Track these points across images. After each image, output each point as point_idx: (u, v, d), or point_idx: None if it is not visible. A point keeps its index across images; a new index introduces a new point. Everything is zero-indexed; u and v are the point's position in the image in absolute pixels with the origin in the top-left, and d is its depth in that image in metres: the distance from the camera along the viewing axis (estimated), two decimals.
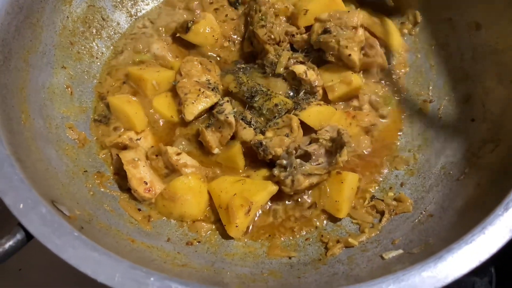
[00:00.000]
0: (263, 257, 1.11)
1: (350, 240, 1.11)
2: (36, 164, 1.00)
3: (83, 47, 1.35)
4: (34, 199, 0.84)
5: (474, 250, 0.79)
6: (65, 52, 1.30)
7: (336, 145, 1.15)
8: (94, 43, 1.39)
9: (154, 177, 1.18)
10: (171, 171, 1.20)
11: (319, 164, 1.15)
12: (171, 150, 1.19)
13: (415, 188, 1.21)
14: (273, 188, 1.15)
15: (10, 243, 0.80)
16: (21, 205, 0.81)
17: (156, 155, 1.21)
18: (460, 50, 1.33)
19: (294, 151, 1.14)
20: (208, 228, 1.17)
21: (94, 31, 1.40)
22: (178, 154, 1.19)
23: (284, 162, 1.14)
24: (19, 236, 0.80)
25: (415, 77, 1.40)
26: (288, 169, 1.13)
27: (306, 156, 1.17)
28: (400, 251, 1.00)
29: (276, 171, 1.14)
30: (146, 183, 1.16)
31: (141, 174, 1.16)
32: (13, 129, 0.98)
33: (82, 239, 0.80)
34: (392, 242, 1.06)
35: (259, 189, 1.14)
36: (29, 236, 0.81)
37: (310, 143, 1.20)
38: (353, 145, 1.23)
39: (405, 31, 1.46)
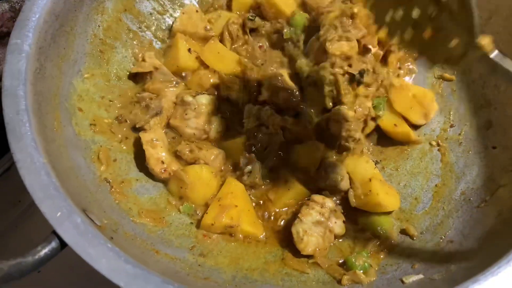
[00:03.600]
0: (282, 273, 1.12)
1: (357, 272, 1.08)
2: (68, 172, 1.02)
3: (112, 56, 1.38)
4: (69, 208, 0.85)
5: (500, 282, 0.80)
6: (95, 60, 1.32)
7: None
8: (121, 53, 1.41)
9: (172, 158, 1.26)
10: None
11: None
12: (183, 147, 1.28)
13: (434, 213, 1.22)
14: None
15: (46, 250, 0.81)
16: (59, 214, 0.82)
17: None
18: (483, 78, 1.35)
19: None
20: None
21: (122, 41, 1.42)
22: (191, 151, 1.27)
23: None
24: (54, 244, 0.82)
25: (437, 101, 1.41)
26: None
27: None
28: (421, 276, 1.01)
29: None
30: (163, 163, 1.23)
31: (159, 155, 1.24)
32: (48, 136, 1.00)
33: (115, 251, 0.82)
34: (412, 266, 1.07)
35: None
36: (63, 245, 0.83)
37: None
38: None
39: None
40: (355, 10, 1.29)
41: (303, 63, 1.33)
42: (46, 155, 0.92)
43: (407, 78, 1.46)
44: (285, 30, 1.43)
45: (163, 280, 0.79)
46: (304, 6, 1.46)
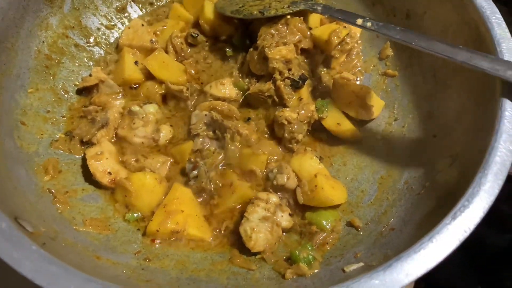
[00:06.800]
0: (228, 272, 1.12)
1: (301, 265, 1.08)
2: (4, 183, 1.02)
3: (58, 71, 1.39)
4: None
5: (422, 258, 0.81)
6: (40, 75, 1.34)
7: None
8: (69, 68, 1.43)
9: (119, 167, 1.28)
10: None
11: None
12: (128, 157, 1.31)
13: (379, 203, 1.24)
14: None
15: None
16: None
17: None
18: (422, 71, 1.39)
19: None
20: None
21: (69, 56, 1.44)
22: (137, 160, 1.29)
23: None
24: None
25: (381, 97, 1.45)
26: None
27: None
28: (361, 264, 1.02)
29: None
30: (110, 174, 1.25)
31: (104, 167, 1.25)
32: None
33: (40, 253, 0.82)
34: (355, 255, 1.08)
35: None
36: None
37: None
38: None
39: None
40: (288, 17, 1.34)
41: (240, 85, 1.42)
42: None
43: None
44: (227, 49, 1.49)
45: (87, 278, 0.79)
46: (241, 20, 1.51)
